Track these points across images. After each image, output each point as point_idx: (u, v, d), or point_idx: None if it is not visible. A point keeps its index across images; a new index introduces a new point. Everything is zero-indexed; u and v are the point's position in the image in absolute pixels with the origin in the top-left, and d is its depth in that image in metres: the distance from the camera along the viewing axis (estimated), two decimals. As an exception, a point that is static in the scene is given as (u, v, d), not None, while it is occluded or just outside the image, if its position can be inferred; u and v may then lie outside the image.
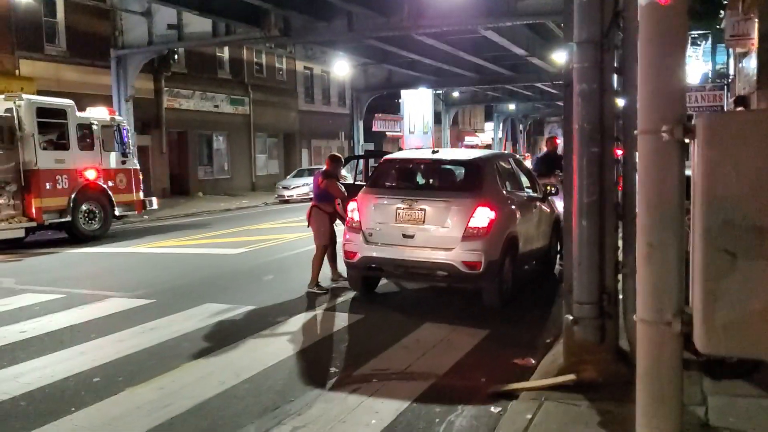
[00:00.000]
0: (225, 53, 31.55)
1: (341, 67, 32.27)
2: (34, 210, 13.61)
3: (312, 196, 9.24)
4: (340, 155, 9.51)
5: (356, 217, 7.87)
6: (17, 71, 20.91)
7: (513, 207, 8.06)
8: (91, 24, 22.62)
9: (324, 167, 9.15)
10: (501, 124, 63.37)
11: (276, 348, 6.15)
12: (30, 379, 5.27)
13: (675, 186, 1.93)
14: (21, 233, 13.67)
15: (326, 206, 8.68)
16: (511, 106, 58.59)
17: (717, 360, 1.99)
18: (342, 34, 21.04)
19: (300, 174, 28.88)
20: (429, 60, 28.63)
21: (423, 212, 7.49)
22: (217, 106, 30.89)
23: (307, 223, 8.91)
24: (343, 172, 11.20)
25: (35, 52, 21.68)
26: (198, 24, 21.03)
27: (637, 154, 2.05)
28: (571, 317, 5.14)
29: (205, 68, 30.14)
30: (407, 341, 6.40)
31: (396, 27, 19.78)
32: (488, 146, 59.93)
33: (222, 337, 6.49)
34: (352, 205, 7.98)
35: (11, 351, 6.07)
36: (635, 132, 2.04)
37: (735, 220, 1.78)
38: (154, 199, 17.51)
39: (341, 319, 7.27)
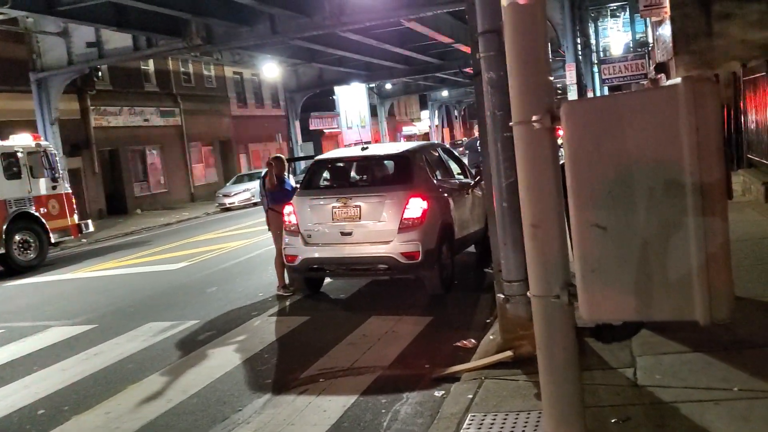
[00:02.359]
0: (150, 66, 30.96)
1: (271, 69, 32.06)
2: (-37, 245, 13.19)
3: (257, 201, 9.22)
4: (282, 156, 9.53)
5: (293, 220, 7.95)
6: (-68, 103, 20.14)
7: (445, 195, 8.26)
8: (7, 48, 21.90)
9: (266, 170, 9.13)
10: (436, 112, 64.07)
11: (222, 360, 6.19)
12: (-29, 419, 5.20)
13: (549, 170, 2.10)
14: (-49, 270, 13.25)
15: (280, 208, 8.66)
16: (444, 93, 59.27)
17: (605, 325, 2.17)
18: (266, 38, 20.94)
19: (240, 180, 28.64)
20: (357, 55, 28.77)
21: (358, 209, 7.62)
22: (147, 120, 30.32)
23: (267, 227, 8.91)
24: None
25: (-51, 82, 20.91)
26: (118, 40, 20.61)
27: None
28: (502, 296, 5.34)
29: (131, 83, 29.54)
30: (353, 337, 6.52)
31: (319, 26, 19.81)
32: (426, 135, 60.65)
33: (167, 355, 6.49)
34: (288, 209, 8.04)
35: (-50, 393, 5.95)
36: (510, 123, 2.20)
37: (601, 195, 1.95)
38: (90, 222, 17.13)
39: (287, 323, 7.35)
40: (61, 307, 9.67)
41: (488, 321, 6.47)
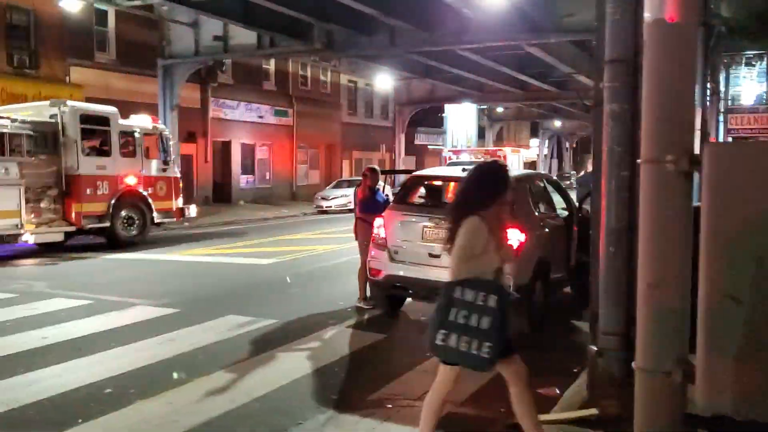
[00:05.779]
0: (271, 65, 31.96)
1: (384, 81, 32.35)
2: (74, 215, 13.83)
3: (352, 207, 9.13)
4: (377, 168, 9.40)
5: (382, 233, 7.73)
6: (68, 78, 21.48)
7: (545, 229, 7.82)
8: (140, 34, 23.12)
9: (362, 179, 9.03)
10: (546, 141, 62.63)
11: (291, 366, 6.03)
12: (42, 387, 5.25)
13: (679, 220, 1.74)
14: (60, 237, 13.92)
15: (369, 218, 8.53)
16: (557, 123, 57.82)
17: (727, 418, 1.77)
18: (384, 48, 21.02)
19: (339, 185, 28.93)
20: (472, 75, 28.44)
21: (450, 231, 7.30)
22: (261, 117, 31.29)
23: (354, 237, 8.79)
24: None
25: (85, 60, 22.25)
26: (243, 36, 21.28)
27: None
28: (595, 348, 4.91)
29: (251, 80, 30.57)
30: (428, 365, 6.19)
31: (438, 42, 19.68)
32: (533, 163, 59.39)
33: (239, 352, 6.41)
34: (378, 222, 7.84)
35: (30, 357, 6.09)
36: (638, 161, 1.86)
37: (743, 259, 1.58)
38: (193, 207, 17.67)
39: (362, 338, 7.12)
40: (149, 287, 9.89)
41: (576, 370, 6.00)
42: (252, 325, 7.43)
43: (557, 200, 8.91)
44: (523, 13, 17.18)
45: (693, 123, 1.87)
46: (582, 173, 15.26)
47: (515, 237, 7.08)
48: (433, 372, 5.91)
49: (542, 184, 8.77)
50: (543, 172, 34.57)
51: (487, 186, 3.87)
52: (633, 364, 1.87)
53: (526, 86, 32.43)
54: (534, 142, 62.76)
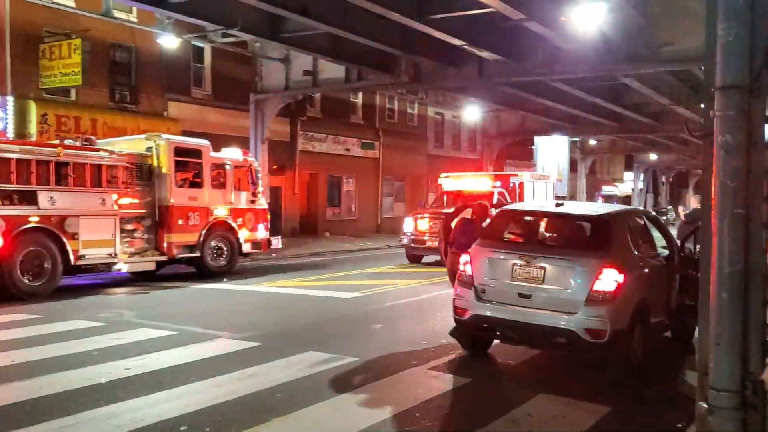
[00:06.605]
0: (359, 99, 32.39)
1: (472, 113, 32.07)
2: (166, 244, 14.17)
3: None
4: (487, 203, 9.15)
5: (468, 270, 7.38)
6: (165, 113, 22.40)
7: (645, 270, 7.28)
8: (234, 70, 23.91)
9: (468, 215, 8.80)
10: (642, 175, 60.40)
11: (371, 409, 5.74)
12: (121, 421, 5.20)
13: None
14: (152, 266, 14.27)
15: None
16: (653, 156, 55.64)
17: None
18: (472, 80, 20.78)
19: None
20: (564, 106, 27.72)
21: (542, 270, 6.89)
22: (348, 150, 31.66)
23: (447, 270, 8.53)
24: None
25: (182, 95, 23.18)
26: (332, 70, 21.62)
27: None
28: (705, 405, 4.40)
29: (338, 113, 31.05)
30: (516, 414, 5.79)
31: (528, 73, 19.25)
32: (627, 198, 57.35)
33: (317, 391, 6.19)
34: (464, 258, 7.50)
35: (111, 389, 6.09)
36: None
37: None
38: (279, 238, 17.85)
39: (446, 382, 6.76)
40: (233, 318, 9.90)
41: (679, 426, 5.45)
42: (332, 362, 7.22)
43: (656, 237, 8.31)
44: (617, 43, 16.57)
45: None
46: (691, 209, 14.31)
47: (613, 278, 6.60)
48: (521, 423, 5.51)
49: (642, 221, 8.21)
50: (642, 207, 30.81)
51: None
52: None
53: (620, 118, 31.31)
54: (628, 175, 60.67)
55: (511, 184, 22.00)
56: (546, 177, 25.96)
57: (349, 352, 7.62)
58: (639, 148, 49.40)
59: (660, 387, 6.80)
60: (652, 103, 27.55)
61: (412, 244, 18.54)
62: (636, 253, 7.31)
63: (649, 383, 6.90)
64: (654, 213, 12.73)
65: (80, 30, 18.49)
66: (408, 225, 18.80)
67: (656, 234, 8.33)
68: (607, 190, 57.31)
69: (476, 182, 21.33)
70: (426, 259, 18.63)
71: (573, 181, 46.38)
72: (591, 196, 50.18)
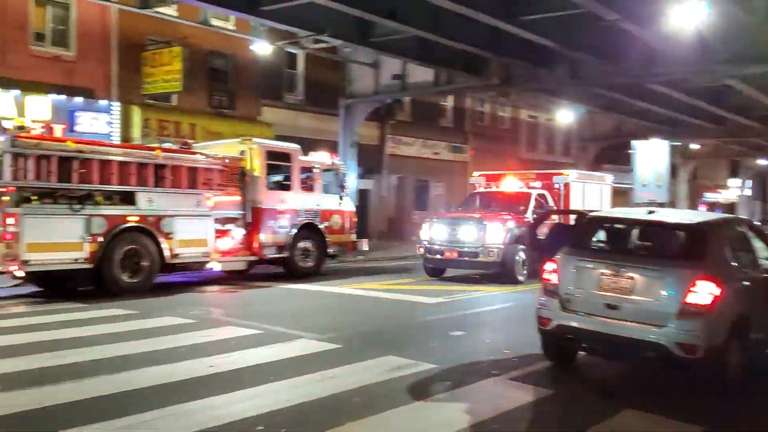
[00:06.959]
0: (448, 102, 32.24)
1: (566, 116, 31.28)
2: (256, 245, 14.58)
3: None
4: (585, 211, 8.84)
5: (554, 279, 7.14)
6: (260, 117, 23.08)
7: (745, 282, 6.81)
8: (325, 75, 24.35)
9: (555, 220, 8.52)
10: (750, 182, 56.95)
11: (447, 419, 5.62)
12: (199, 418, 5.31)
13: None
14: (243, 266, 14.72)
15: None
16: (762, 162, 52.38)
17: None
18: (564, 82, 20.31)
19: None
20: (662, 109, 26.60)
21: (631, 281, 6.57)
22: (437, 153, 31.57)
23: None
24: None
25: (276, 100, 23.82)
26: (420, 74, 21.66)
27: None
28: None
29: (428, 117, 31.02)
30: (599, 429, 5.54)
31: (623, 74, 18.60)
32: (732, 205, 54.27)
33: (394, 396, 6.14)
34: (549, 266, 7.27)
35: (194, 385, 6.27)
36: None
37: None
38: (365, 241, 18.03)
39: (527, 393, 6.55)
40: (317, 319, 10.02)
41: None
42: (411, 368, 7.15)
43: (760, 248, 7.76)
44: (717, 42, 15.70)
45: None
46: None
47: (708, 290, 6.22)
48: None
49: (742, 231, 7.70)
50: (743, 216, 27.97)
51: None
52: None
53: (724, 121, 29.71)
54: (733, 182, 57.39)
55: (555, 185, 18.52)
56: (601, 178, 21.61)
57: (429, 359, 7.52)
58: (745, 153, 46.70)
59: (762, 408, 6.36)
60: (759, 105, 25.97)
61: (428, 255, 15.92)
62: (735, 264, 6.86)
63: (747, 404, 6.45)
64: (759, 222, 11.92)
65: (180, 38, 19.33)
66: (425, 232, 16.05)
67: (760, 245, 7.79)
68: (709, 196, 54.44)
69: (513, 182, 18.08)
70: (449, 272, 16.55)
71: (674, 187, 44.37)
72: (693, 203, 47.82)
